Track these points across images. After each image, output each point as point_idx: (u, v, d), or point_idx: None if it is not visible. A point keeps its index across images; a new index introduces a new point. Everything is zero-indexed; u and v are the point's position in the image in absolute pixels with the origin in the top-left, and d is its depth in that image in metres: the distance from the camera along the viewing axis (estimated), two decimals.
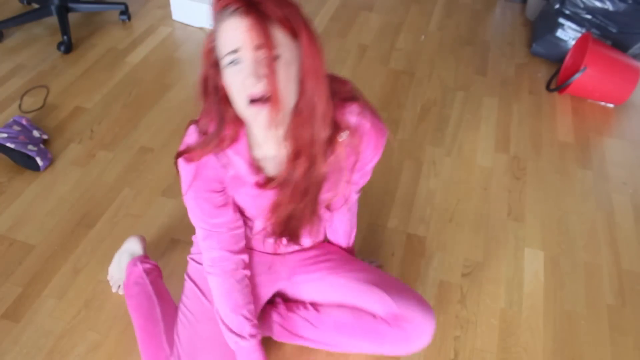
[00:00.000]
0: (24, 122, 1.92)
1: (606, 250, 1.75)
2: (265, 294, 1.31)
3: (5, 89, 2.19)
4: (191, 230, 1.68)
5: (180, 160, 1.08)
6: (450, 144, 2.10)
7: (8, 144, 1.80)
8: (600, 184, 1.99)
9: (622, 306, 1.59)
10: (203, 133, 1.03)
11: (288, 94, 0.91)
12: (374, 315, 1.26)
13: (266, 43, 0.86)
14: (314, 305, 1.32)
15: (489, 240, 1.74)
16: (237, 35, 0.86)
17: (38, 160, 1.82)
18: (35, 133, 1.90)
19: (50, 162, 1.87)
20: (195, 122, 1.06)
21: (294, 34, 0.89)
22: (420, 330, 1.22)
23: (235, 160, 1.06)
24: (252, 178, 1.07)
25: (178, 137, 2.02)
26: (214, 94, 0.97)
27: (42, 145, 1.88)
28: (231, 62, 0.89)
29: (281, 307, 1.34)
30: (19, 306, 1.46)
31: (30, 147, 1.83)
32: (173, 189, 1.82)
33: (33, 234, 1.65)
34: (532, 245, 1.74)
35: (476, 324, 1.51)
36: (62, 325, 1.42)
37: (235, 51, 0.88)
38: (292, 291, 1.36)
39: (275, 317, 1.33)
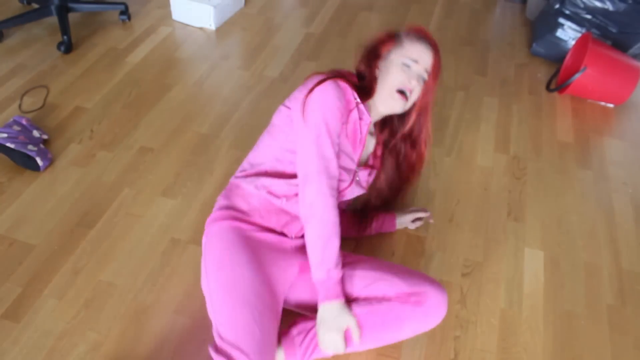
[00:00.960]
0: (24, 122, 1.92)
1: (606, 250, 1.75)
2: (282, 291, 1.30)
3: (5, 89, 2.19)
4: (191, 229, 1.70)
5: (331, 82, 1.28)
6: (450, 144, 2.10)
7: (8, 144, 1.80)
8: (600, 184, 1.99)
9: (622, 306, 1.59)
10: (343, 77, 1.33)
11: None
12: (386, 299, 1.28)
13: (433, 72, 1.36)
14: None
15: (489, 240, 1.74)
16: (422, 55, 1.33)
17: (38, 160, 1.82)
18: (35, 133, 1.90)
19: (50, 162, 1.87)
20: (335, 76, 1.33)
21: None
22: (435, 300, 1.29)
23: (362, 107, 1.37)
24: (369, 118, 1.37)
25: (178, 137, 2.03)
26: (370, 66, 1.37)
27: (42, 145, 1.88)
28: (404, 64, 1.33)
29: (300, 324, 1.33)
30: (19, 306, 1.46)
31: (30, 147, 1.83)
32: (173, 189, 1.82)
33: (33, 234, 1.65)
34: (532, 245, 1.74)
35: (476, 324, 1.51)
36: (62, 325, 1.42)
37: (415, 61, 1.33)
38: (298, 293, 1.35)
39: (294, 331, 1.32)
